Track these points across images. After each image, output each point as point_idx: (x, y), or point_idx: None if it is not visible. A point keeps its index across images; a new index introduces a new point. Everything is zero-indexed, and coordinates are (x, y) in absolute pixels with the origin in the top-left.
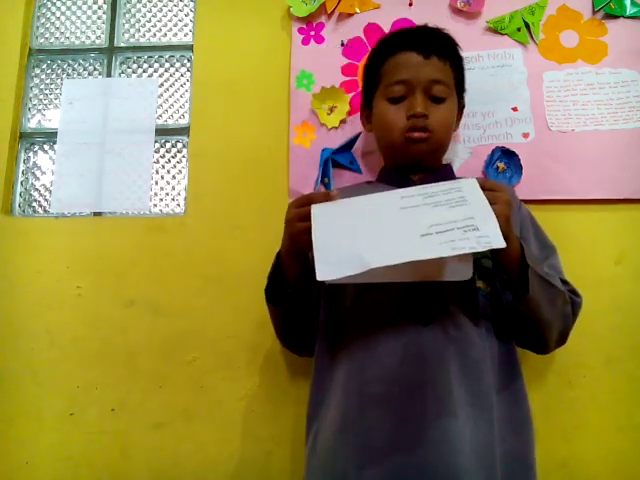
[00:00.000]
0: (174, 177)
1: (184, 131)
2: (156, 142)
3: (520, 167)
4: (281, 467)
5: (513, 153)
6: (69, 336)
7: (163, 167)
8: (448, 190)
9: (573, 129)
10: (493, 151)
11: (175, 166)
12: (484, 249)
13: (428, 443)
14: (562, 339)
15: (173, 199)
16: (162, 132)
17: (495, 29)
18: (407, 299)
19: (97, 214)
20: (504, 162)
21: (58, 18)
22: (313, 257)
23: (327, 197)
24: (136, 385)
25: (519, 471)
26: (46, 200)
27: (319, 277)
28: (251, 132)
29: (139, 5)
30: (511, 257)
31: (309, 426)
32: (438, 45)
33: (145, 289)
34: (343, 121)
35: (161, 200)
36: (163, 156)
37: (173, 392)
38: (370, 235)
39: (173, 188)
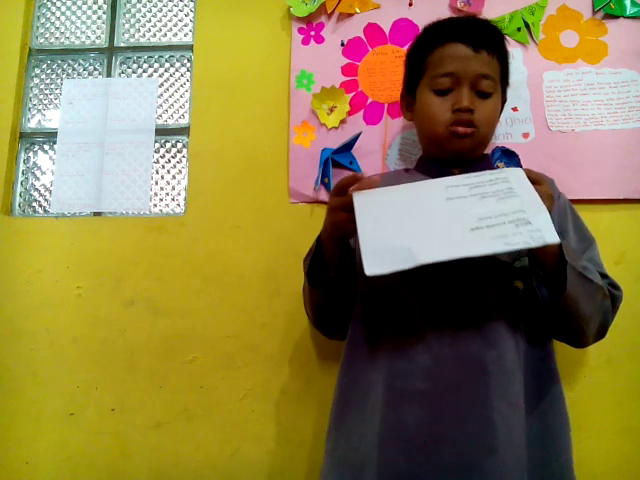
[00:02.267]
0: (174, 177)
1: (184, 131)
2: (156, 142)
3: (520, 167)
4: (281, 467)
5: (513, 153)
6: (69, 336)
7: (163, 167)
8: (495, 180)
9: (573, 129)
10: (493, 151)
11: (175, 166)
12: (538, 245)
13: (460, 443)
14: (601, 333)
15: (173, 199)
16: (162, 132)
17: None
18: (446, 299)
19: (97, 214)
20: (504, 162)
21: (58, 18)
22: (355, 243)
23: (369, 183)
24: (136, 385)
25: (554, 468)
26: (46, 200)
27: (368, 272)
28: (251, 132)
29: (139, 5)
30: (549, 252)
31: (334, 418)
32: (488, 38)
33: (145, 289)
34: (343, 121)
35: (161, 200)
36: (163, 156)
37: (173, 392)
38: (417, 228)
39: (173, 188)
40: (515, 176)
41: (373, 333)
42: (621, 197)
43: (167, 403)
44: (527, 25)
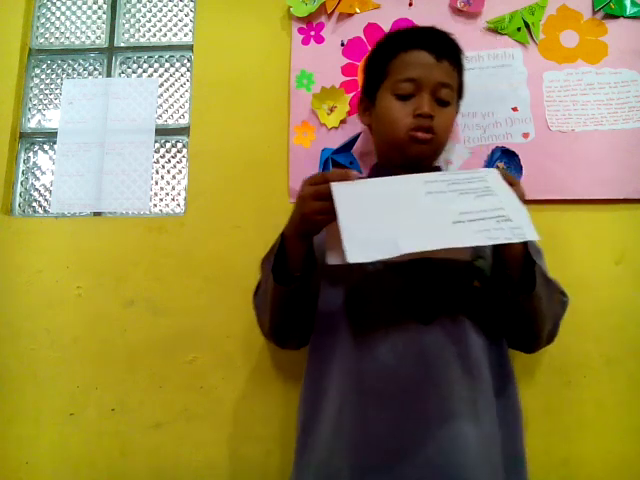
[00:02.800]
0: (174, 177)
1: (184, 131)
2: (156, 142)
3: (520, 167)
4: (281, 467)
5: (513, 153)
6: (69, 336)
7: (163, 167)
8: (471, 179)
9: (573, 129)
10: (493, 151)
11: (175, 166)
12: (519, 240)
13: (432, 443)
14: (551, 338)
15: (173, 199)
16: (162, 132)
17: (495, 29)
18: (407, 297)
19: (97, 214)
20: (504, 162)
21: (58, 18)
22: (319, 242)
23: (345, 176)
24: (136, 385)
25: (514, 466)
26: (46, 200)
27: (350, 259)
28: (251, 132)
29: (139, 5)
30: (516, 254)
31: (302, 422)
32: (450, 49)
33: (145, 289)
34: (343, 121)
35: (161, 200)
36: (163, 156)
37: (173, 392)
38: (400, 218)
39: (173, 188)
40: (491, 176)
41: (336, 336)
42: (621, 197)
43: (167, 403)
44: (527, 25)
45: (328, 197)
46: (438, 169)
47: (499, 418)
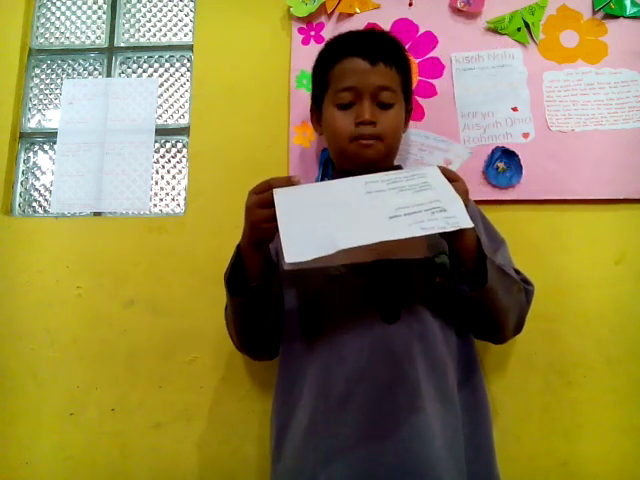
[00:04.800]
0: (174, 177)
1: (184, 131)
2: (156, 142)
3: (520, 167)
4: None
5: (513, 153)
6: (69, 336)
7: (163, 167)
8: (411, 176)
9: (573, 129)
10: (493, 151)
11: (175, 166)
12: (453, 229)
13: (399, 439)
14: (518, 327)
15: (173, 199)
16: (162, 132)
17: (495, 29)
18: (370, 297)
19: (97, 214)
20: (504, 162)
21: (58, 18)
22: (275, 253)
23: (288, 181)
24: (136, 385)
25: (480, 456)
26: (46, 200)
27: (287, 259)
28: (251, 132)
29: (139, 5)
30: (468, 248)
31: (275, 429)
32: (384, 50)
33: (145, 289)
34: None
35: (161, 200)
36: (163, 156)
37: (173, 392)
38: (338, 217)
39: (173, 188)
40: (431, 172)
41: (304, 343)
42: (621, 197)
43: (167, 403)
44: (527, 25)
45: (272, 204)
46: (398, 168)
47: (464, 410)
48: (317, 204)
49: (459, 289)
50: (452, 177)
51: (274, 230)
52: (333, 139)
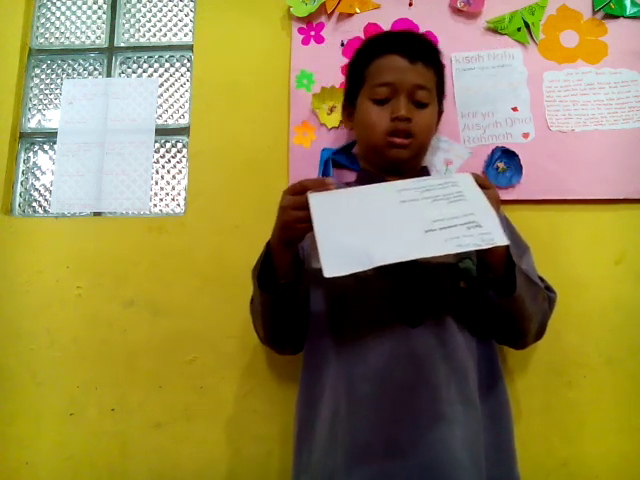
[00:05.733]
0: (174, 177)
1: (184, 131)
2: (156, 142)
3: (520, 167)
4: (282, 467)
5: (513, 153)
6: (69, 336)
7: (163, 167)
8: (444, 184)
9: (573, 129)
10: (493, 151)
11: (175, 166)
12: (488, 246)
13: (419, 442)
14: (540, 334)
15: (173, 199)
16: (162, 132)
17: (495, 29)
18: (395, 300)
19: (97, 214)
20: (504, 162)
21: (58, 18)
22: (302, 250)
23: (323, 185)
24: (136, 385)
25: (502, 460)
26: (46, 200)
27: (327, 274)
28: (251, 132)
29: (139, 5)
30: (497, 256)
31: (298, 425)
32: (424, 51)
33: (145, 289)
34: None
35: (161, 200)
36: (163, 156)
37: (173, 392)
38: (373, 230)
39: (173, 188)
40: (464, 181)
41: (328, 341)
42: (621, 197)
43: (167, 403)
44: (527, 25)
45: (306, 207)
46: (424, 170)
47: (487, 417)
48: (352, 213)
49: (484, 294)
50: (484, 184)
51: (306, 231)
52: (366, 133)
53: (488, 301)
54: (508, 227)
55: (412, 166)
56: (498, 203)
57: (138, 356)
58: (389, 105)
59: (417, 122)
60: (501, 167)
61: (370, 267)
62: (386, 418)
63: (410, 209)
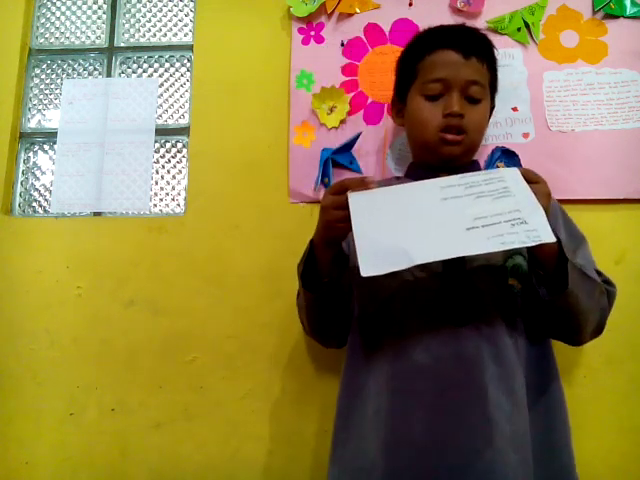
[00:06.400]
0: (174, 177)
1: (184, 131)
2: (156, 142)
3: (520, 167)
4: (282, 467)
5: (513, 153)
6: (69, 336)
7: (163, 167)
8: (490, 180)
9: (573, 129)
10: (493, 151)
11: (175, 166)
12: (534, 244)
13: (464, 440)
14: (599, 330)
15: (173, 199)
16: (162, 132)
17: (495, 29)
18: (442, 300)
19: (97, 214)
20: (504, 162)
21: (58, 18)
22: (348, 246)
23: (364, 184)
24: (136, 385)
25: (555, 460)
26: (46, 200)
27: (364, 273)
28: (251, 132)
29: (139, 5)
30: (548, 251)
31: (339, 418)
32: (477, 46)
33: (145, 289)
34: (343, 121)
35: (161, 200)
36: (163, 156)
37: (173, 392)
38: (413, 228)
39: (173, 188)
40: (511, 175)
41: (373, 337)
42: (621, 197)
43: (167, 403)
44: (527, 25)
45: (347, 206)
46: (476, 163)
47: (537, 414)
48: (392, 212)
49: (534, 292)
50: (533, 179)
51: (347, 230)
52: (418, 129)
53: (540, 299)
54: (563, 218)
55: (464, 162)
56: (548, 197)
57: (138, 356)
58: (442, 101)
59: (470, 118)
60: (501, 167)
61: (408, 266)
62: (431, 416)
63: (452, 206)
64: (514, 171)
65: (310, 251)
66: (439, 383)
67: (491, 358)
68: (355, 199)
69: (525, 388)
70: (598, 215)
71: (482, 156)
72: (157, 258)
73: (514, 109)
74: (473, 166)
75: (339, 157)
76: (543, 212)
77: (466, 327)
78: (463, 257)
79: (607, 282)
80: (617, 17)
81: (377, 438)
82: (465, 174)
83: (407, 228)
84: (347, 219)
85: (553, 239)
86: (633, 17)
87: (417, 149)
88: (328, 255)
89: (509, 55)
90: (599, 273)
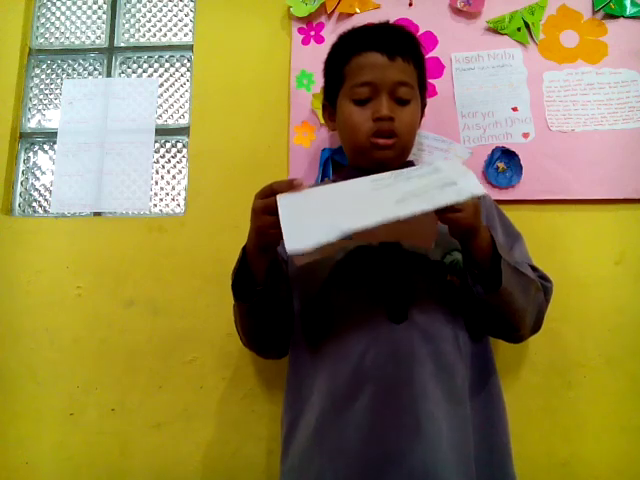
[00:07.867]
0: (174, 177)
1: (184, 131)
2: (156, 142)
3: (520, 167)
4: None
5: (513, 153)
6: (69, 336)
7: (163, 167)
8: (420, 168)
9: (573, 129)
10: (493, 151)
11: (175, 166)
12: (465, 199)
13: (404, 442)
14: (536, 327)
15: (173, 199)
16: (162, 132)
17: (495, 29)
18: (378, 296)
19: (97, 214)
20: (504, 162)
21: (58, 18)
22: (284, 250)
23: (290, 185)
24: (136, 385)
25: (495, 458)
26: (46, 200)
27: (289, 249)
28: (251, 132)
29: (139, 5)
30: (482, 248)
31: (284, 428)
32: (402, 45)
33: (145, 289)
34: None
35: (161, 200)
36: (163, 156)
37: (173, 392)
38: (342, 209)
39: (173, 188)
40: (442, 162)
41: (314, 341)
42: (621, 197)
43: (167, 403)
44: (527, 25)
45: (277, 211)
46: (409, 164)
47: (478, 416)
48: (321, 202)
49: (472, 289)
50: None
51: (279, 236)
52: (349, 135)
53: (475, 297)
54: (498, 213)
55: (398, 165)
56: (478, 214)
57: (138, 356)
58: (371, 105)
59: (400, 120)
60: (501, 167)
61: (337, 235)
62: (370, 418)
63: (382, 191)
64: (445, 161)
65: (243, 259)
66: (379, 385)
67: (430, 355)
68: (284, 202)
69: (466, 384)
70: (598, 215)
71: (482, 156)
72: (157, 258)
73: (514, 109)
74: (406, 166)
75: (339, 157)
76: (474, 175)
77: (403, 324)
78: (400, 250)
79: (543, 277)
80: (617, 17)
81: (320, 449)
82: (395, 171)
83: (336, 210)
84: (278, 225)
85: (484, 192)
86: (633, 17)
87: (351, 153)
88: (262, 262)
89: (509, 55)
90: (535, 269)
